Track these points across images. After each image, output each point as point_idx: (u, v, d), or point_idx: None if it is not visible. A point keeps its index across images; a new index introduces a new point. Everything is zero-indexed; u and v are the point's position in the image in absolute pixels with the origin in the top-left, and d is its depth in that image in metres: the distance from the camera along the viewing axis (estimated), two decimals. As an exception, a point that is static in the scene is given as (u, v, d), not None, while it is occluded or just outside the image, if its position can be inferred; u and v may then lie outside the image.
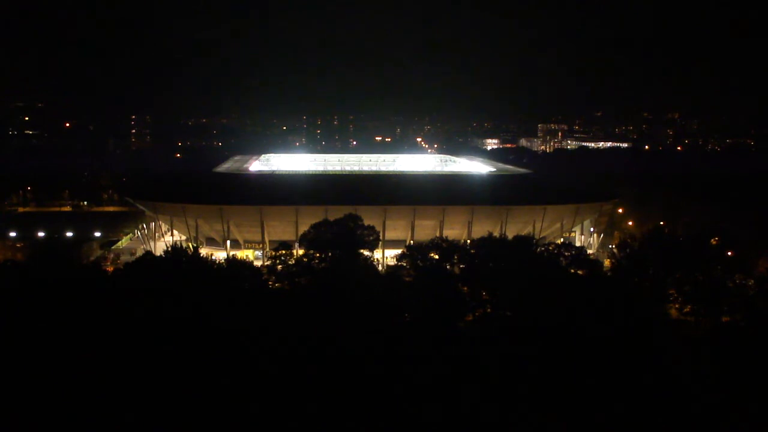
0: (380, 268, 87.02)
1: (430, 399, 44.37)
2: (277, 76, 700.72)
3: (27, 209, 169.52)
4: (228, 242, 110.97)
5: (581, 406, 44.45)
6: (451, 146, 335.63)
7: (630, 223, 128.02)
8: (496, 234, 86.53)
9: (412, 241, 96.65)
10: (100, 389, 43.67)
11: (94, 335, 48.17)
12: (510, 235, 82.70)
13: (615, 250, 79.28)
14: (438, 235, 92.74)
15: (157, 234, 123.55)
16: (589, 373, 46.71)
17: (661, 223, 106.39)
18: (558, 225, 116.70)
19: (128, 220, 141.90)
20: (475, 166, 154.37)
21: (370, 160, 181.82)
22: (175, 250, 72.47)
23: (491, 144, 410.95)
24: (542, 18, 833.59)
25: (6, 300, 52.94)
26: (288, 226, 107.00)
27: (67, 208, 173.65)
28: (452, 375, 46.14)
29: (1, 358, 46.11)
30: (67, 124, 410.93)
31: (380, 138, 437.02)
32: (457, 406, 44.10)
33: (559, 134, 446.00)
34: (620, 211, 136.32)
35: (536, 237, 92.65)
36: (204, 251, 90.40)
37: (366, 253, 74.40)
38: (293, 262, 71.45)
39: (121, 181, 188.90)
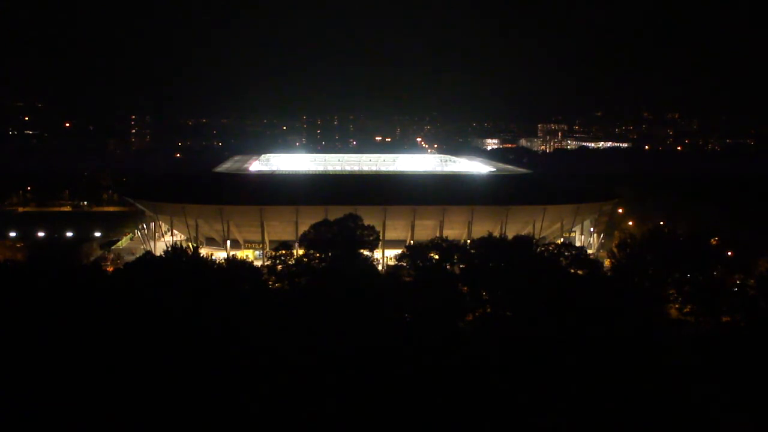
0: (380, 268, 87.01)
1: (430, 399, 44.34)
2: (277, 76, 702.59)
3: (27, 209, 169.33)
4: (228, 242, 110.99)
5: (581, 405, 44.44)
6: (451, 146, 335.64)
7: (630, 223, 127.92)
8: (496, 234, 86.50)
9: (412, 241, 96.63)
10: (100, 390, 43.66)
11: (93, 336, 48.14)
12: (510, 235, 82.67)
13: (615, 250, 79.18)
14: (438, 235, 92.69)
15: (157, 234, 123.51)
16: (590, 373, 46.69)
17: (661, 223, 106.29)
18: (558, 225, 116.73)
19: (128, 220, 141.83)
20: (475, 166, 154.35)
21: (370, 160, 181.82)
22: (175, 250, 72.38)
23: (491, 144, 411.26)
24: (542, 18, 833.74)
25: (6, 300, 52.90)
26: (288, 226, 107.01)
27: (67, 208, 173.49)
28: (452, 375, 46.11)
29: (1, 359, 46.09)
30: (67, 124, 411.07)
31: (380, 138, 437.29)
32: (458, 406, 44.09)
33: (559, 134, 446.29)
34: (620, 211, 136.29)
35: (536, 237, 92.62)
36: (204, 251, 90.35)
37: (366, 253, 74.32)
38: (293, 262, 71.35)
39: (121, 181, 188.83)
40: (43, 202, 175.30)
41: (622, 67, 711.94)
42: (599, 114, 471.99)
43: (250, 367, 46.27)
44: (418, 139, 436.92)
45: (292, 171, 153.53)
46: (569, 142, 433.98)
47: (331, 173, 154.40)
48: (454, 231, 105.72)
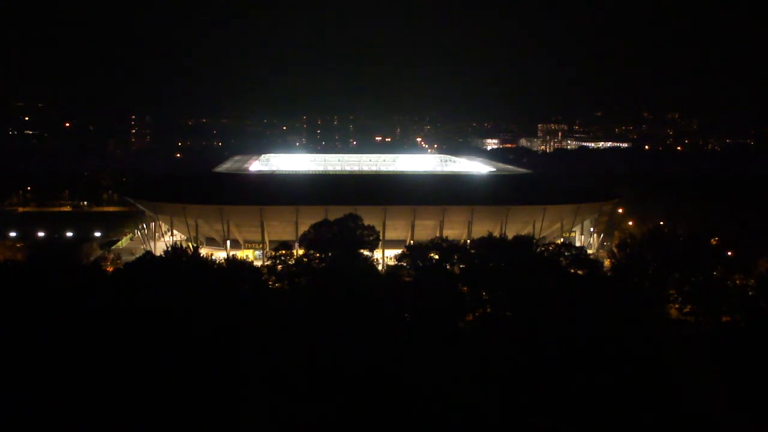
0: (380, 268, 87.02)
1: (430, 399, 44.34)
2: (277, 76, 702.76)
3: (27, 209, 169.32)
4: (228, 242, 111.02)
5: (581, 405, 44.43)
6: (451, 146, 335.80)
7: (630, 223, 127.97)
8: (496, 234, 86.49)
9: (412, 241, 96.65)
10: (100, 390, 43.66)
11: (93, 336, 48.14)
12: (510, 235, 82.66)
13: (615, 250, 79.14)
14: (438, 235, 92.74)
15: (157, 234, 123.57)
16: (589, 373, 46.69)
17: (661, 223, 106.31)
18: (558, 225, 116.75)
19: (128, 220, 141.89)
20: (475, 166, 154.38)
21: (370, 160, 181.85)
22: (175, 250, 72.41)
23: (491, 144, 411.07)
24: (542, 18, 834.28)
25: (6, 300, 52.90)
26: (288, 226, 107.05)
27: (67, 208, 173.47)
28: (452, 375, 46.10)
29: (1, 359, 46.09)
30: (67, 124, 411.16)
31: (380, 138, 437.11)
32: (458, 406, 44.09)
33: (559, 134, 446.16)
34: (620, 211, 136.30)
35: (536, 237, 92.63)
36: (204, 251, 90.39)
37: (366, 253, 74.35)
38: (293, 262, 71.37)
39: (121, 181, 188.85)
40: (43, 202, 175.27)
41: (622, 67, 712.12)
42: (599, 114, 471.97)
43: (250, 367, 46.26)
44: (418, 139, 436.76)
45: (292, 171, 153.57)
46: (569, 142, 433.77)
47: (331, 173, 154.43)
48: (454, 231, 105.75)
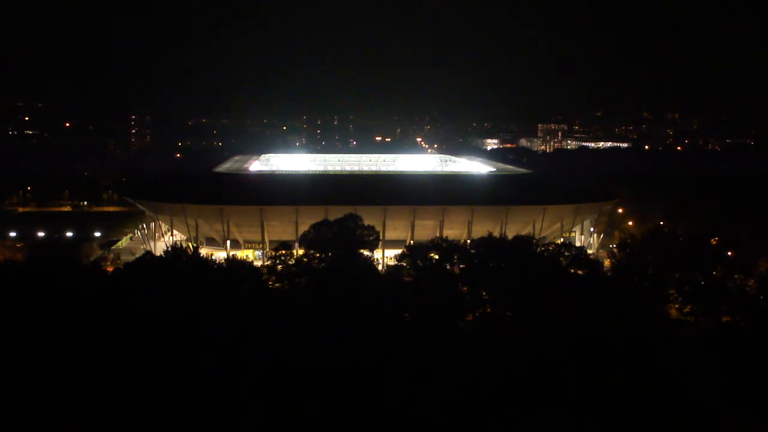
0: (380, 268, 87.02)
1: (430, 399, 44.31)
2: (277, 76, 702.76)
3: (27, 209, 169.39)
4: (228, 242, 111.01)
5: (581, 406, 44.43)
6: (451, 146, 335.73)
7: (630, 223, 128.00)
8: (496, 234, 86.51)
9: (412, 241, 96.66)
10: (100, 390, 43.65)
11: (93, 336, 48.13)
12: (510, 235, 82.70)
13: (615, 250, 79.16)
14: (438, 235, 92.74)
15: (157, 234, 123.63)
16: (590, 373, 46.68)
17: (661, 223, 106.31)
18: (558, 225, 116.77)
19: (128, 220, 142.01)
20: (475, 166, 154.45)
21: (370, 160, 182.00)
22: (175, 250, 72.42)
23: (491, 144, 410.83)
24: (542, 18, 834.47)
25: (6, 300, 52.88)
26: (288, 226, 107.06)
27: (67, 208, 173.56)
28: (452, 375, 46.09)
29: (1, 359, 46.07)
30: (67, 124, 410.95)
31: (380, 138, 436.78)
32: (458, 406, 44.07)
33: (559, 134, 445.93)
34: (620, 211, 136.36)
35: (536, 237, 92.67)
36: (204, 251, 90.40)
37: (366, 253, 74.35)
38: (293, 262, 71.36)
39: (121, 181, 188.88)
40: (43, 202, 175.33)
41: (622, 67, 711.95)
42: (599, 114, 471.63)
43: (250, 367, 46.25)
44: (418, 139, 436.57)
45: (292, 171, 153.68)
46: (569, 142, 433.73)
47: (331, 173, 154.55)
48: (454, 231, 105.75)
